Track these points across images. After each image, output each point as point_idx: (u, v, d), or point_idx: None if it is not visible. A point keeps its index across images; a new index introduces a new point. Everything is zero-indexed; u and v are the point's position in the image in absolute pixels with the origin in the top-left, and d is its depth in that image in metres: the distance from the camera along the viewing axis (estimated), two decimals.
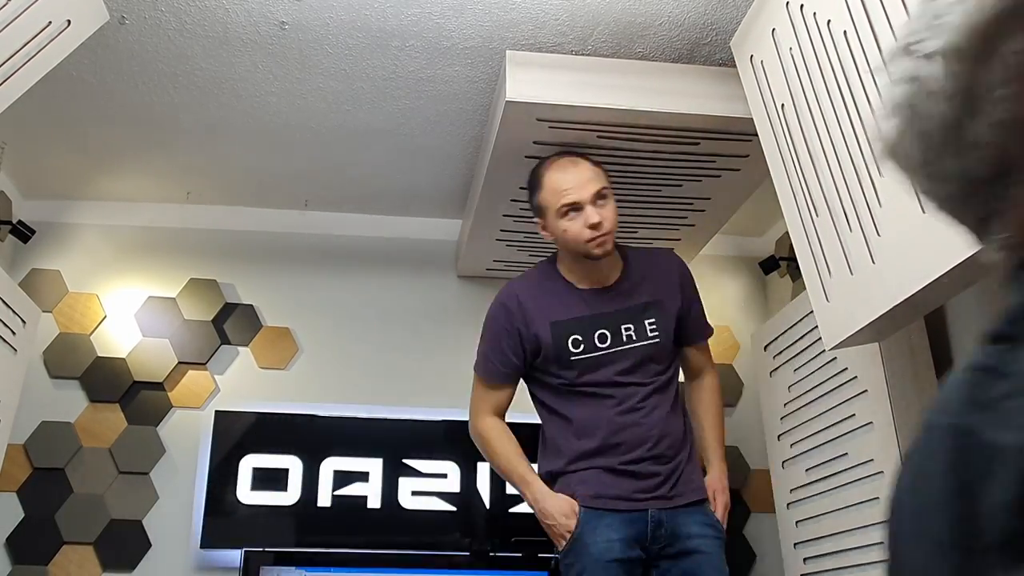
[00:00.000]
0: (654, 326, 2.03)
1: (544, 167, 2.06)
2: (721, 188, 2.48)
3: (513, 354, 2.06)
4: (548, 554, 2.55)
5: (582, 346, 2.00)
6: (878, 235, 1.51)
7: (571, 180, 1.98)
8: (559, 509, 1.94)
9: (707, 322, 2.21)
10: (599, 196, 1.97)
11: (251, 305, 2.93)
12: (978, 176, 0.61)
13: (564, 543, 1.93)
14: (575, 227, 1.96)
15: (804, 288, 1.84)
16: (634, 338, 2.02)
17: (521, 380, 2.14)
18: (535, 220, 2.10)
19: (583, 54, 2.21)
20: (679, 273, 2.15)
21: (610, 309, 2.03)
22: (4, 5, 1.56)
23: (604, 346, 2.00)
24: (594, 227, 1.94)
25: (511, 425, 2.14)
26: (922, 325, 2.12)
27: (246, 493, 2.66)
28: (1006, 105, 0.57)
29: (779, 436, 2.54)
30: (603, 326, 2.02)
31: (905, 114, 0.63)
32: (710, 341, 2.24)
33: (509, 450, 2.07)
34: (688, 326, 2.13)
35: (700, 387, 2.19)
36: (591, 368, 2.00)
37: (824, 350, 2.09)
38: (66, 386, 2.75)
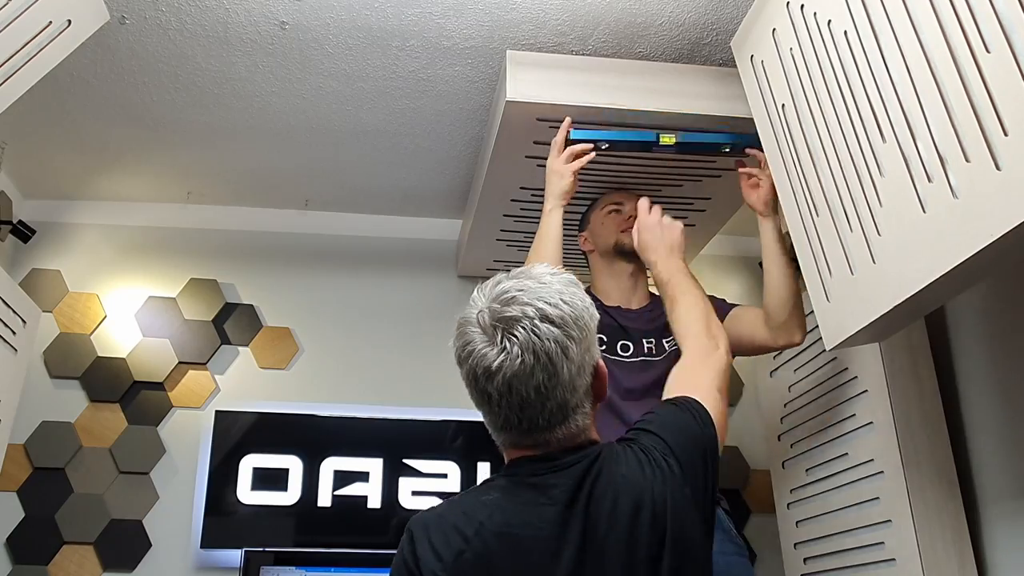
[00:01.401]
0: (671, 341, 2.08)
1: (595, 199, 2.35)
2: (721, 188, 2.48)
3: None
4: None
5: (605, 346, 2.03)
6: (878, 235, 1.51)
7: (620, 194, 2.30)
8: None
9: (721, 301, 2.21)
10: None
11: (251, 305, 2.93)
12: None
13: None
14: (612, 220, 2.22)
15: (804, 288, 1.84)
16: (654, 352, 2.08)
17: None
18: (577, 234, 2.30)
19: (583, 54, 2.21)
20: None
21: (634, 326, 2.11)
22: (4, 5, 1.56)
23: (626, 355, 2.06)
24: (629, 220, 2.14)
25: None
26: (922, 325, 2.12)
27: (246, 493, 2.66)
28: None
29: (779, 436, 2.55)
30: (626, 338, 2.09)
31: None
32: None
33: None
34: (720, 315, 2.16)
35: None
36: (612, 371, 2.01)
37: (824, 350, 2.09)
38: (66, 386, 2.75)
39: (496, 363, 1.17)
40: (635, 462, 1.21)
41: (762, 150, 1.95)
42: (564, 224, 2.06)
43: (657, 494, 1.17)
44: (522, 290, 1.21)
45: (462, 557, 1.14)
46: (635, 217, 2.10)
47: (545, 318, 1.18)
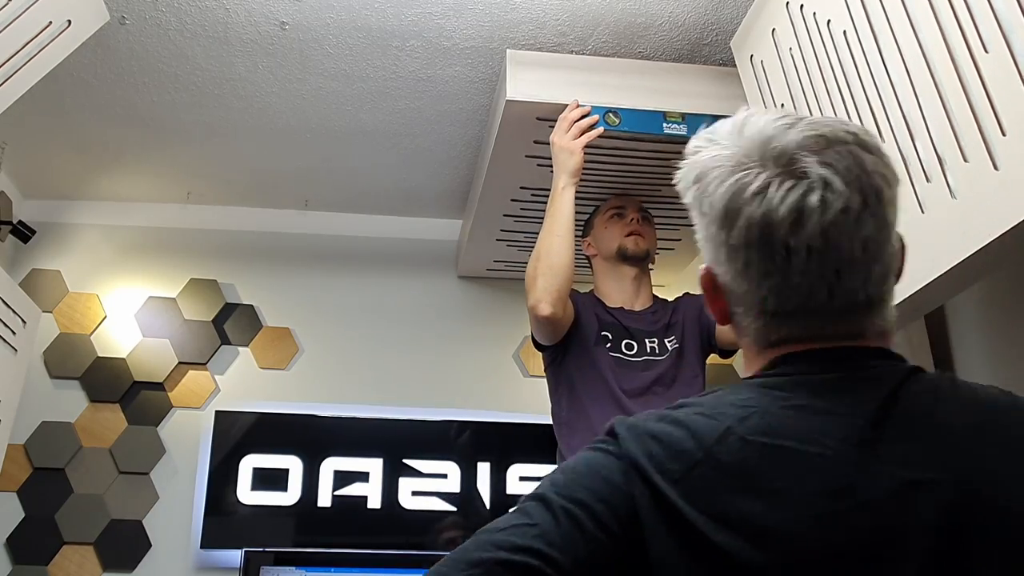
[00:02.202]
0: (674, 341, 2.11)
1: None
2: None
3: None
4: None
5: (609, 343, 2.04)
6: None
7: (622, 199, 2.29)
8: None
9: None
10: (642, 213, 2.24)
11: (251, 305, 2.93)
12: None
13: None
14: (615, 225, 2.20)
15: None
16: (657, 351, 2.09)
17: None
18: (581, 239, 2.25)
19: (583, 54, 2.21)
20: (697, 302, 2.22)
21: (637, 327, 2.11)
22: (4, 5, 1.56)
23: (630, 353, 2.07)
24: (631, 224, 2.17)
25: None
26: (922, 325, 2.12)
27: (246, 493, 2.66)
28: None
29: None
30: (629, 337, 2.09)
31: None
32: None
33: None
34: (709, 326, 2.17)
35: None
36: (612, 365, 2.02)
37: None
38: (66, 386, 2.75)
39: (810, 201, 0.76)
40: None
41: None
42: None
43: None
44: (802, 117, 0.82)
45: (695, 471, 0.73)
46: (637, 220, 2.17)
47: (864, 145, 0.80)
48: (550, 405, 2.10)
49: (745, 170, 0.79)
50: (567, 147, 2.00)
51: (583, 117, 2.02)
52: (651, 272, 2.28)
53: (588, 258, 2.30)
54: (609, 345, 2.04)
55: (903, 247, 0.86)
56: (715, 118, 2.10)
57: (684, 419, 0.78)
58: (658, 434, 0.77)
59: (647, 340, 2.11)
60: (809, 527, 0.70)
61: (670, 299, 2.29)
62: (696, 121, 2.10)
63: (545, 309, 1.90)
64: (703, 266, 0.87)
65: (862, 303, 0.80)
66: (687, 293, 2.32)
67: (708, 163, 0.83)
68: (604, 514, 0.73)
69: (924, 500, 0.70)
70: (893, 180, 0.82)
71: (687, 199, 0.86)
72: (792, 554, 0.69)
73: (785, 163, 0.78)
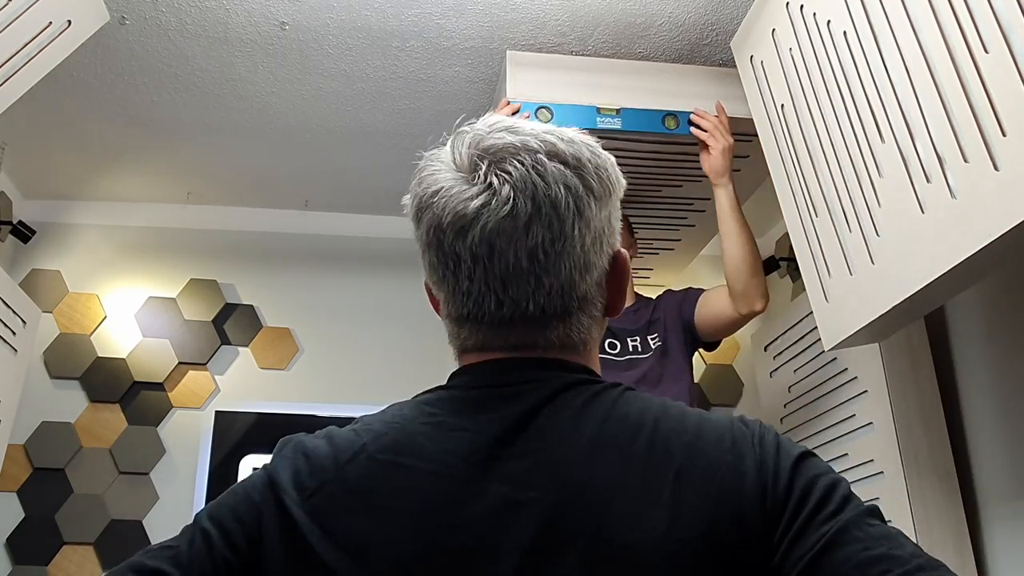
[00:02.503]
0: (657, 338, 2.12)
1: None
2: None
3: None
4: None
5: None
6: (878, 235, 1.51)
7: None
8: None
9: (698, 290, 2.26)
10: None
11: (251, 305, 2.93)
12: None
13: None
14: None
15: (804, 288, 1.84)
16: (640, 350, 2.10)
17: None
18: None
19: (583, 54, 2.21)
20: (676, 297, 2.25)
21: (620, 326, 2.13)
22: (4, 5, 1.56)
23: (613, 352, 2.09)
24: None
25: None
26: (922, 325, 2.12)
27: None
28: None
29: None
30: (612, 336, 2.11)
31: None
32: None
33: None
34: (683, 307, 2.20)
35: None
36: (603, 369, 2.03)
37: (824, 350, 2.09)
38: (66, 386, 2.75)
39: (473, 207, 0.76)
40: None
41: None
42: None
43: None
44: (520, 126, 0.82)
45: (325, 489, 0.75)
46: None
47: (554, 154, 0.78)
48: None
49: (435, 171, 0.82)
50: None
51: (513, 114, 1.99)
52: (650, 272, 2.29)
53: None
54: None
55: (620, 262, 0.83)
56: (654, 112, 2.03)
57: (336, 435, 0.81)
58: (309, 451, 0.80)
59: (629, 339, 2.12)
60: (409, 543, 0.70)
61: (652, 296, 2.29)
62: (632, 115, 2.09)
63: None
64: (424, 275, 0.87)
65: (533, 314, 0.78)
66: (668, 290, 2.33)
67: (429, 156, 0.86)
68: (235, 532, 0.75)
69: (523, 519, 0.70)
70: (586, 192, 0.78)
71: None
72: (390, 569, 0.70)
73: (466, 169, 0.79)
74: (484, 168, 0.78)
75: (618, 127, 2.07)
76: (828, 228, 1.67)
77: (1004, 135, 1.20)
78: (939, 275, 1.34)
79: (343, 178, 2.83)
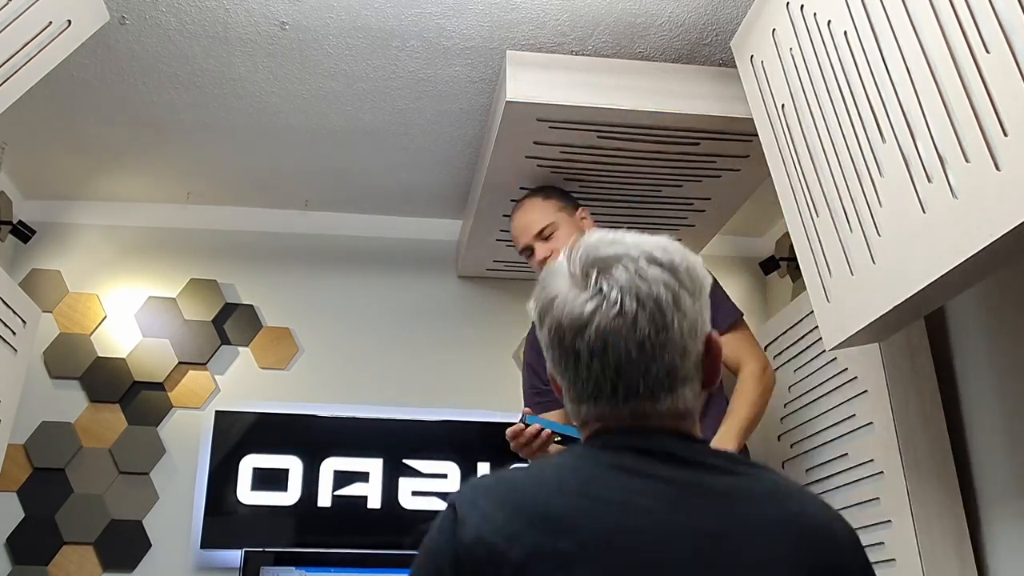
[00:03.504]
0: None
1: (513, 212, 2.32)
2: (721, 188, 2.48)
3: (542, 383, 2.17)
4: None
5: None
6: (878, 235, 1.51)
7: (518, 226, 2.26)
8: None
9: (731, 307, 2.13)
10: (541, 236, 2.19)
11: (251, 305, 2.93)
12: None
13: None
14: (533, 265, 2.22)
15: (804, 288, 1.84)
16: None
17: None
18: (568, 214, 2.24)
19: (583, 54, 2.21)
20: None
21: None
22: (4, 5, 1.56)
23: None
24: (542, 263, 2.14)
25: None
26: (922, 325, 2.12)
27: (246, 493, 2.66)
28: None
29: (779, 436, 2.55)
30: None
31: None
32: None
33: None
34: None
35: (738, 380, 2.07)
36: None
37: (824, 350, 2.09)
38: (66, 386, 2.75)
39: (589, 310, 0.93)
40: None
41: None
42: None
43: None
44: (621, 239, 0.98)
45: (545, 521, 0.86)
46: (549, 257, 2.11)
47: (652, 260, 0.95)
48: None
49: (554, 280, 0.98)
50: None
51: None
52: None
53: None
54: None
55: (713, 346, 0.99)
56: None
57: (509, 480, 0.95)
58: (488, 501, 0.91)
59: None
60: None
61: None
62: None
63: None
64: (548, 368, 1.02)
65: (643, 393, 0.93)
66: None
67: (546, 271, 1.01)
68: None
69: None
70: (682, 290, 0.95)
71: None
72: None
73: (581, 277, 0.95)
74: (595, 276, 0.94)
75: None
76: (829, 228, 1.67)
77: (1005, 135, 1.20)
78: (940, 275, 1.34)
79: (343, 178, 2.83)
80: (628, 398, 0.94)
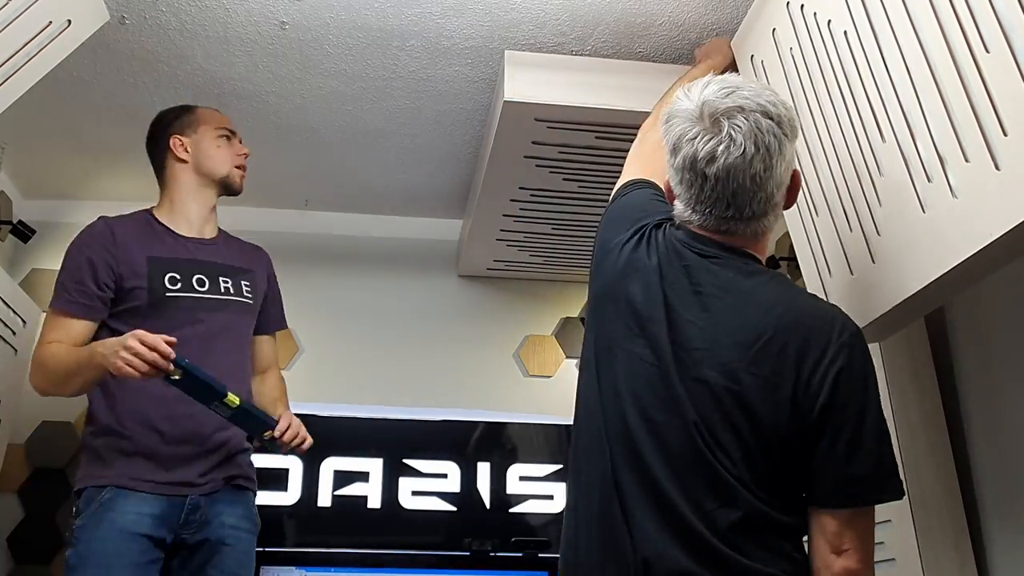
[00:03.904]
0: (248, 288, 2.03)
1: (189, 106, 2.11)
2: None
3: (98, 285, 1.86)
4: (548, 554, 2.55)
5: (179, 284, 1.92)
6: (878, 235, 1.51)
7: (226, 118, 2.12)
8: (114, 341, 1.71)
9: (284, 317, 2.24)
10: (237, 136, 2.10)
11: None
12: None
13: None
14: (227, 150, 2.05)
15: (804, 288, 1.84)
16: (231, 292, 1.99)
17: None
18: (177, 137, 2.01)
19: (583, 54, 2.21)
20: (268, 263, 2.19)
21: (211, 260, 2.00)
22: (4, 5, 1.56)
23: (203, 290, 1.95)
24: (243, 156, 2.09)
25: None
26: (922, 325, 2.11)
27: None
28: None
29: None
30: (202, 272, 1.96)
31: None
32: None
33: (70, 351, 1.81)
34: (268, 311, 2.14)
35: (266, 380, 2.14)
36: (185, 310, 1.89)
37: None
38: None
39: (720, 149, 1.25)
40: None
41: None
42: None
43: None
44: (738, 87, 1.29)
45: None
46: (247, 155, 2.09)
47: (766, 113, 1.26)
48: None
49: (687, 122, 1.29)
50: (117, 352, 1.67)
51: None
52: None
53: (167, 158, 2.03)
54: (179, 286, 1.92)
55: (796, 178, 1.35)
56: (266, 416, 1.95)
57: None
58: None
59: (221, 279, 1.99)
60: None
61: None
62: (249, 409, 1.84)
63: None
64: (666, 178, 1.37)
65: (747, 215, 1.30)
66: (260, 247, 2.21)
67: (674, 110, 1.33)
68: None
69: None
70: (784, 138, 1.28)
71: (661, 128, 1.36)
72: None
73: (710, 123, 1.27)
74: (724, 124, 1.26)
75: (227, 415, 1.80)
76: (829, 227, 1.67)
77: (1005, 135, 1.19)
78: (939, 275, 1.34)
79: (343, 178, 2.83)
80: (734, 218, 1.30)
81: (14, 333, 2.21)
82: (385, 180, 2.84)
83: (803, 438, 1.19)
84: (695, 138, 1.27)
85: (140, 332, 1.67)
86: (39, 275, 2.85)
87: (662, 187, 1.43)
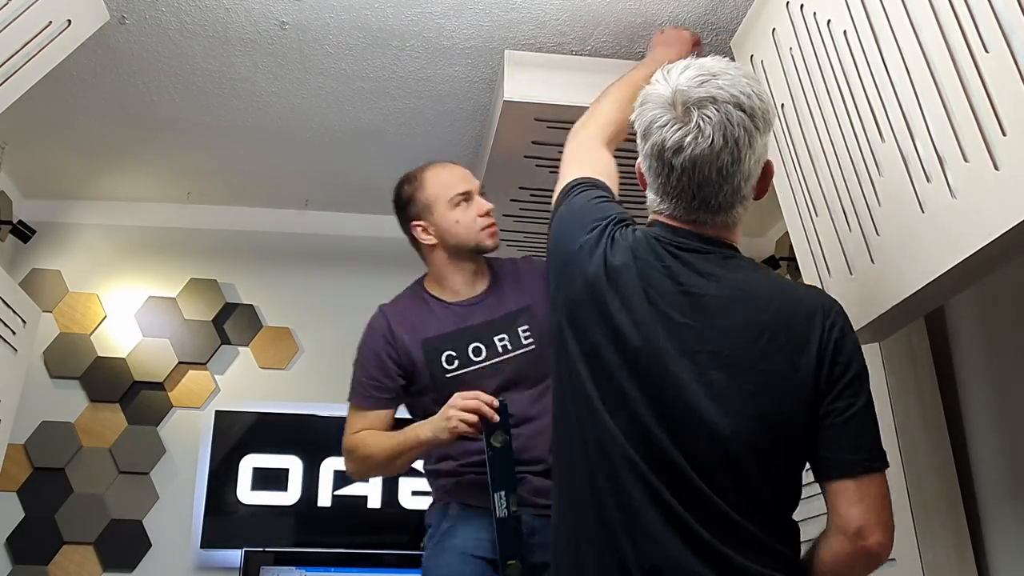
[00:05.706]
0: (528, 333, 1.92)
1: (419, 170, 2.03)
2: None
3: (387, 376, 1.91)
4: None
5: (456, 362, 1.89)
6: (878, 235, 1.51)
7: (457, 173, 1.98)
8: (443, 412, 1.74)
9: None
10: (482, 191, 1.97)
11: (251, 305, 2.93)
12: None
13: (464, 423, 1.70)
14: (468, 216, 1.93)
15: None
16: (509, 348, 1.91)
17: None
18: (417, 224, 1.98)
19: (583, 54, 2.21)
20: (532, 269, 2.03)
21: (485, 319, 1.93)
22: (4, 5, 1.56)
23: (479, 360, 1.90)
24: (486, 215, 1.94)
25: None
26: (922, 325, 2.11)
27: (246, 493, 2.66)
28: None
29: None
30: (477, 339, 1.91)
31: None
32: None
33: (382, 437, 1.86)
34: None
35: None
36: (468, 385, 1.84)
37: None
38: (66, 386, 2.76)
39: (688, 139, 1.22)
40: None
41: None
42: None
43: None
44: (715, 75, 1.24)
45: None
46: (491, 211, 1.94)
47: (738, 106, 1.22)
48: None
49: (659, 107, 1.26)
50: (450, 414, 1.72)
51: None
52: None
53: (417, 244, 2.02)
54: (456, 364, 1.89)
55: (768, 169, 1.31)
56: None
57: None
58: None
59: (496, 339, 1.91)
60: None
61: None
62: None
63: None
64: (638, 160, 1.33)
65: (712, 207, 1.28)
66: (529, 257, 2.13)
67: (648, 93, 1.30)
68: None
69: None
70: (755, 131, 1.24)
71: (633, 110, 1.32)
72: None
73: (681, 111, 1.24)
74: (694, 114, 1.22)
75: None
76: (828, 227, 1.67)
77: (1004, 135, 1.19)
78: (939, 275, 1.34)
79: (343, 178, 2.83)
80: (700, 208, 1.27)
81: (14, 333, 2.21)
82: (385, 180, 2.81)
83: (815, 417, 1.20)
84: (664, 126, 1.24)
85: (455, 395, 1.73)
86: (39, 275, 2.85)
87: (604, 181, 1.44)
